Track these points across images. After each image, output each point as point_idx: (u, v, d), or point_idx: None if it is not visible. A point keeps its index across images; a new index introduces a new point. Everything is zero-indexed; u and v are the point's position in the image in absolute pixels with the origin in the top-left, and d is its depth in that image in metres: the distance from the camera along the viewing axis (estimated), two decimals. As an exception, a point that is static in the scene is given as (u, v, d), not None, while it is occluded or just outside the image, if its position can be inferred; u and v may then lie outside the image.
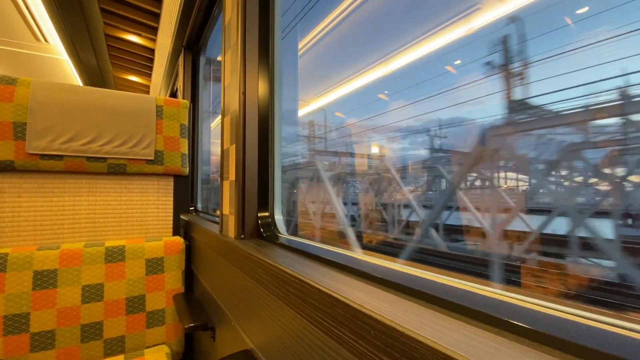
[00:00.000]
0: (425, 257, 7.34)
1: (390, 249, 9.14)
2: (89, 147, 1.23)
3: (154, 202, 1.40)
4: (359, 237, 10.42)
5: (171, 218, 1.44)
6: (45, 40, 2.96)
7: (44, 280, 1.09)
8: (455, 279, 0.47)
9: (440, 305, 0.40)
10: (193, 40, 2.12)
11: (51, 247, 1.14)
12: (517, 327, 0.32)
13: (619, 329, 0.31)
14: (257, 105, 1.01)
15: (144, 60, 3.43)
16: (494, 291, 0.41)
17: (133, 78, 3.99)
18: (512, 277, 5.37)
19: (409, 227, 10.81)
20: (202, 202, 2.27)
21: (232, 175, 1.02)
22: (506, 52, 6.78)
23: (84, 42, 2.95)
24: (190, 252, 1.44)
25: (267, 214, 1.01)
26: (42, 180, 1.22)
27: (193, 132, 2.16)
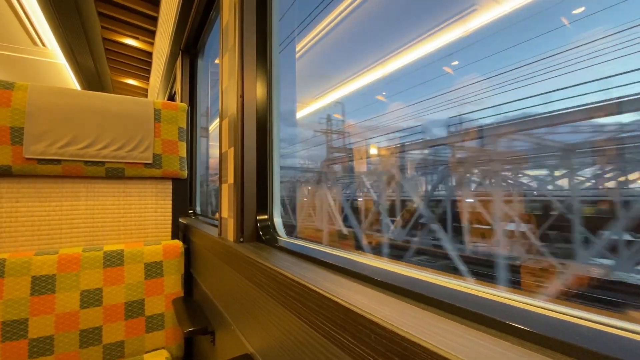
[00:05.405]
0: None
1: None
2: (86, 151, 1.22)
3: (153, 206, 1.40)
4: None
5: (170, 221, 1.43)
6: (43, 44, 2.96)
7: (42, 285, 1.09)
8: (458, 281, 0.47)
9: (441, 309, 0.40)
10: (191, 43, 2.12)
11: (49, 252, 1.14)
12: (520, 330, 0.32)
13: (620, 330, 0.30)
14: (255, 107, 1.01)
15: (141, 64, 3.43)
16: (496, 293, 0.41)
17: (131, 82, 3.99)
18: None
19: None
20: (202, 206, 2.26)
21: (230, 178, 1.02)
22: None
23: (82, 46, 2.95)
24: (189, 255, 1.43)
25: (266, 216, 1.00)
26: (39, 185, 1.21)
27: (191, 135, 2.15)
